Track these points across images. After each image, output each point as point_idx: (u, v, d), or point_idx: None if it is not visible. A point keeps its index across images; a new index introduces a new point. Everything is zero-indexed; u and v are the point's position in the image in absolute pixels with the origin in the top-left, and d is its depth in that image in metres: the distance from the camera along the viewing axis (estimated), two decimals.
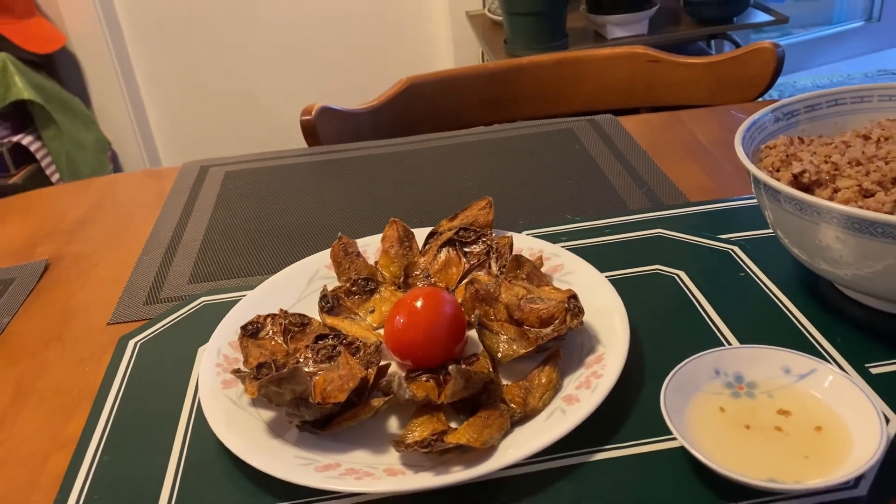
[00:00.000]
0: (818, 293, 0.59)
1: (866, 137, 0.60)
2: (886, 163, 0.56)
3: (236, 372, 0.53)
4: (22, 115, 2.08)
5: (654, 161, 0.84)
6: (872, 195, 0.53)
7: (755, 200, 0.70)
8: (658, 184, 0.79)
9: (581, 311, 0.53)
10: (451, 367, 0.48)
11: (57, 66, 2.27)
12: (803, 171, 0.56)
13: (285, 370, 0.47)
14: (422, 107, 1.11)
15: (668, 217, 0.72)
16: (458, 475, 0.44)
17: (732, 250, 0.66)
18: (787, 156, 0.59)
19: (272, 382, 0.47)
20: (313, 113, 0.98)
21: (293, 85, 2.50)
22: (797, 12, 2.99)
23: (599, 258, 0.64)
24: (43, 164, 2.10)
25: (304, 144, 1.01)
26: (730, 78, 1.07)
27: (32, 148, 2.06)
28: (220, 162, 0.96)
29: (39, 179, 2.07)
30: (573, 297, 0.54)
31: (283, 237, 0.77)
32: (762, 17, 1.98)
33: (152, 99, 2.52)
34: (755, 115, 0.63)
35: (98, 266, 0.76)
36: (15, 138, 2.03)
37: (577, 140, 0.92)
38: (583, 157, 0.88)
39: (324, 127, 0.99)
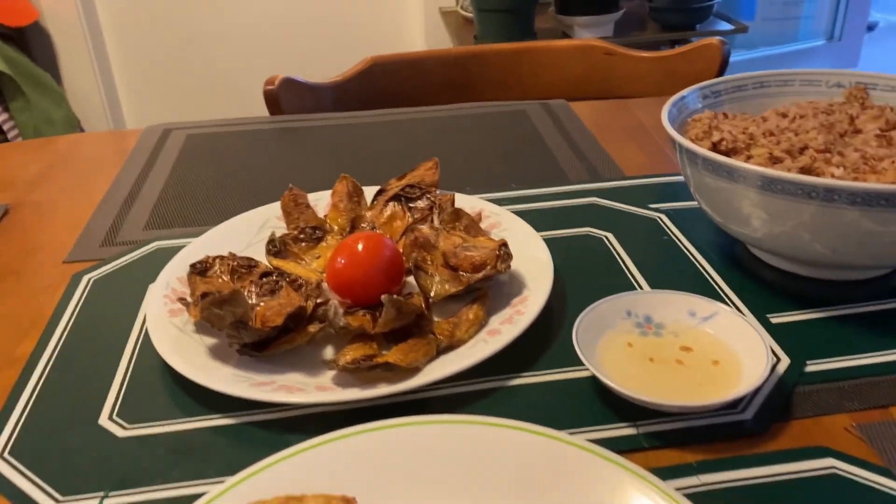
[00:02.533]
0: (733, 256, 0.64)
1: (784, 115, 0.65)
2: (796, 134, 0.61)
3: (182, 300, 0.56)
4: None
5: (597, 141, 0.89)
6: (781, 162, 0.58)
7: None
8: (599, 160, 0.84)
9: (510, 257, 0.57)
10: (383, 297, 0.51)
11: (29, 41, 2.27)
12: (721, 140, 0.61)
13: (226, 293, 0.51)
14: (385, 86, 1.15)
15: (603, 188, 0.76)
16: (382, 390, 0.48)
17: (659, 218, 0.70)
18: (710, 128, 0.64)
19: (214, 304, 0.51)
20: (276, 83, 1.02)
21: (267, 70, 2.52)
22: (765, 29, 3.08)
23: (535, 221, 0.68)
24: (9, 136, 2.09)
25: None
26: (679, 71, 1.12)
27: (0, 119, 2.06)
28: (182, 125, 0.99)
29: None
30: (504, 244, 0.58)
31: (240, 194, 0.80)
32: (724, 25, 2.05)
33: (124, 79, 2.52)
34: (683, 92, 0.68)
35: (57, 213, 0.78)
36: None
37: (529, 121, 0.96)
38: (533, 136, 0.92)
39: (286, 98, 1.02)
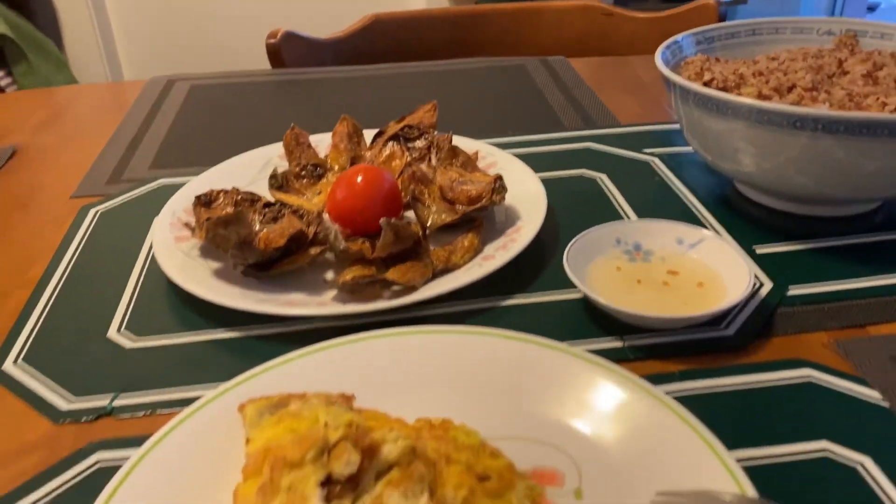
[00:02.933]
0: (721, 195, 0.66)
1: (774, 59, 0.67)
2: (785, 74, 0.62)
3: (188, 225, 0.58)
4: None
5: (595, 93, 0.91)
6: (770, 99, 0.60)
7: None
8: (595, 111, 0.86)
9: (504, 189, 0.59)
10: (382, 221, 0.53)
11: (32, 7, 2.28)
12: (712, 79, 0.63)
13: (231, 213, 0.52)
14: (385, 44, 1.16)
15: (598, 135, 0.78)
16: (381, 304, 0.50)
17: (652, 161, 0.72)
18: (702, 69, 0.66)
19: (219, 224, 0.52)
20: (278, 37, 1.03)
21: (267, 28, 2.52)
22: (765, 8, 3.09)
23: (531, 164, 0.70)
24: None
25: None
26: (675, 32, 1.13)
27: (3, 83, 2.07)
28: (186, 77, 1.01)
29: None
30: (499, 178, 0.60)
31: (243, 141, 0.82)
32: None
33: (125, 46, 2.53)
34: (677, 37, 0.69)
35: (63, 155, 0.80)
36: None
37: (528, 75, 0.98)
38: (531, 89, 0.93)
39: (288, 52, 1.04)
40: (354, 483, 0.36)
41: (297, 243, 0.55)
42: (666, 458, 0.38)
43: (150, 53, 2.54)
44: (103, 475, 0.40)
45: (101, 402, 0.45)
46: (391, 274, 0.52)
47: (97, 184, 0.73)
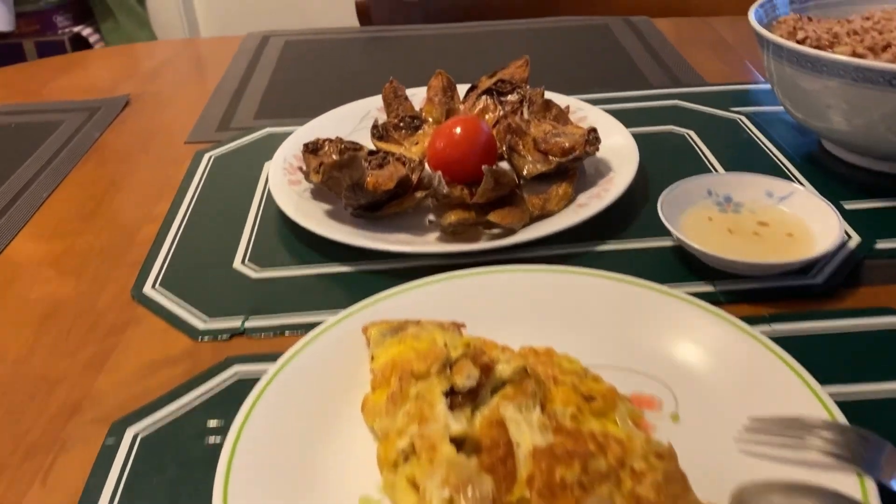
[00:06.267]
0: (809, 154, 0.67)
1: (868, 18, 0.67)
2: (880, 33, 0.63)
3: (301, 169, 0.63)
4: (83, 8, 2.17)
5: (679, 53, 0.92)
6: (864, 58, 0.60)
7: (767, 85, 0.78)
8: (681, 70, 0.87)
9: (598, 141, 0.62)
10: (484, 167, 0.57)
11: None
12: (805, 38, 0.64)
13: (345, 157, 0.57)
14: (469, 1, 1.18)
15: (685, 93, 0.80)
16: (482, 244, 0.54)
17: (740, 119, 0.73)
18: (795, 28, 0.67)
19: (334, 168, 0.57)
20: None
21: None
22: None
23: (620, 119, 0.72)
24: None
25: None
26: None
27: (91, 40, 2.16)
28: (280, 33, 1.05)
29: None
30: (593, 129, 0.63)
31: (339, 92, 0.86)
32: None
33: (205, 6, 2.59)
34: None
35: (174, 103, 0.86)
36: (76, 28, 2.13)
37: (612, 34, 0.99)
38: (615, 47, 0.95)
39: (377, 10, 1.07)
40: (473, 396, 0.40)
41: (404, 187, 0.59)
42: (758, 388, 0.41)
43: (226, 11, 2.60)
44: (242, 386, 0.45)
45: (233, 322, 0.50)
46: (493, 216, 0.55)
47: (208, 131, 0.78)
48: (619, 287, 0.48)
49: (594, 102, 0.77)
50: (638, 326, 0.46)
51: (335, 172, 0.57)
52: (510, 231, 0.55)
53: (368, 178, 0.61)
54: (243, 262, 0.57)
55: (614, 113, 0.75)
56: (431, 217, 0.59)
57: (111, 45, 2.22)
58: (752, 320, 0.48)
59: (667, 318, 0.46)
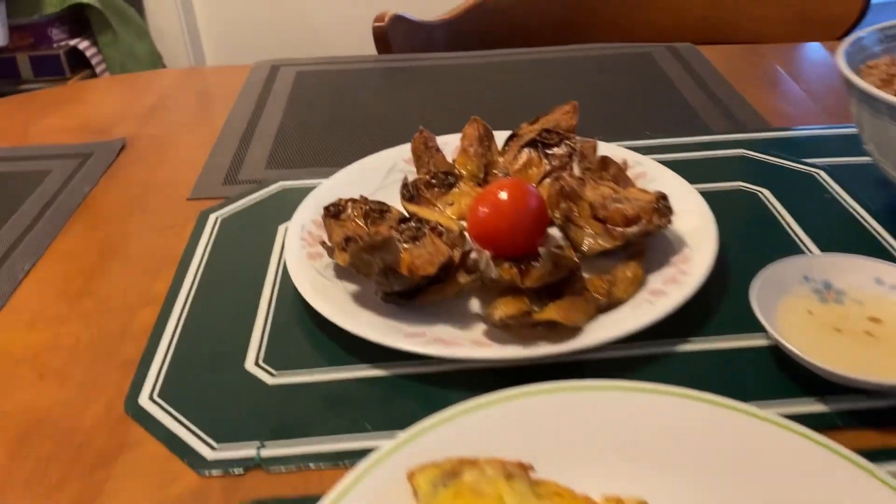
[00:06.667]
0: None
1: None
2: None
3: (323, 244, 0.54)
4: (80, 20, 2.08)
5: (734, 88, 0.83)
6: None
7: (841, 129, 0.69)
8: (739, 109, 0.78)
9: (670, 211, 0.53)
10: (541, 250, 0.48)
11: None
12: None
13: (378, 238, 0.48)
14: (494, 25, 1.10)
15: (750, 139, 0.71)
16: (544, 349, 0.45)
17: (817, 173, 0.65)
18: (889, 76, 0.58)
19: (364, 250, 0.48)
20: (386, 20, 0.98)
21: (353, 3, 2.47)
22: None
23: (680, 172, 0.64)
24: (97, 70, 2.11)
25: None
26: (813, 14, 1.04)
27: (88, 53, 2.07)
28: (291, 62, 0.96)
29: None
30: (663, 196, 0.54)
31: (356, 134, 0.77)
32: None
33: (205, 15, 2.51)
34: (860, 33, 0.61)
35: (175, 147, 0.77)
36: (72, 42, 2.04)
37: (655, 64, 0.90)
38: (661, 80, 0.86)
39: (396, 36, 0.98)
40: None
41: (445, 269, 0.50)
42: None
43: (230, 16, 2.51)
44: None
45: (247, 451, 0.42)
46: (553, 314, 0.46)
47: (213, 184, 0.69)
48: (712, 413, 0.40)
49: (643, 150, 0.69)
50: (737, 469, 0.37)
51: (365, 255, 0.48)
52: (574, 329, 0.47)
53: (402, 255, 0.52)
54: (257, 362, 0.48)
55: (672, 164, 0.66)
56: (478, 309, 0.51)
57: (109, 58, 2.13)
58: (881, 454, 0.39)
59: (775, 459, 0.37)
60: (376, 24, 0.97)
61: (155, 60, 2.35)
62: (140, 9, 2.36)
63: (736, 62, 0.91)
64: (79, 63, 2.08)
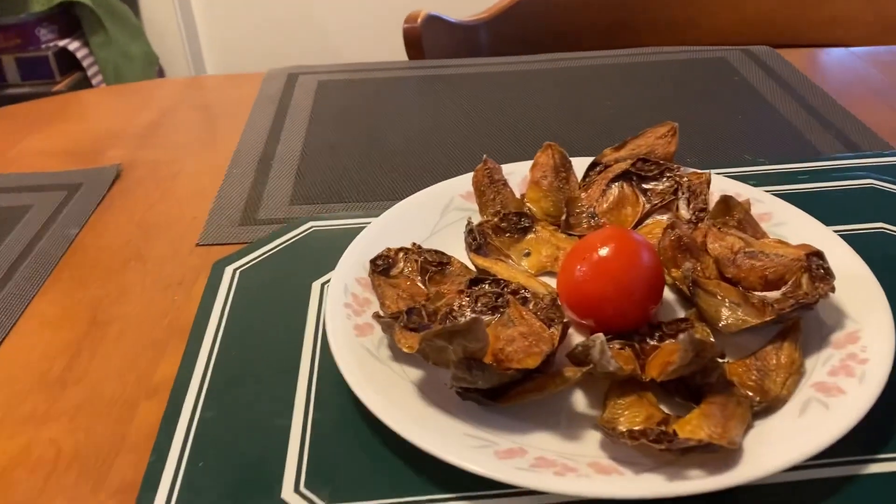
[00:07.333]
0: None
1: None
2: None
3: (378, 317, 0.42)
4: (69, 19, 1.95)
5: (833, 99, 0.71)
6: None
7: None
8: (848, 126, 0.66)
9: (830, 275, 0.41)
10: (681, 337, 0.36)
11: None
12: None
13: (462, 322, 0.36)
14: (535, 25, 0.97)
15: (877, 165, 0.59)
16: (699, 483, 0.33)
17: None
18: None
19: (441, 336, 0.36)
20: (419, 21, 0.85)
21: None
22: None
23: (803, 209, 0.52)
24: (89, 72, 1.98)
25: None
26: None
27: (79, 55, 1.94)
28: (310, 70, 0.84)
29: (85, 88, 1.96)
30: (816, 254, 0.42)
31: (395, 157, 0.65)
32: None
33: (203, 13, 2.38)
34: None
35: (178, 176, 0.64)
36: (62, 43, 1.91)
37: (734, 70, 0.78)
38: (745, 90, 0.74)
39: (430, 38, 0.86)
40: None
41: (546, 362, 0.38)
42: None
43: (229, 17, 2.38)
44: None
45: None
46: (705, 430, 0.34)
47: (228, 226, 0.57)
48: None
49: (754, 179, 0.57)
50: None
51: (442, 341, 0.36)
52: (730, 447, 0.34)
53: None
54: (297, 487, 0.36)
55: (789, 200, 0.54)
56: (583, 406, 0.39)
57: (102, 59, 2.00)
58: None
59: None
60: (407, 25, 0.85)
61: (151, 61, 2.22)
62: (134, 6, 2.23)
63: (824, 68, 0.79)
64: (69, 65, 1.95)
